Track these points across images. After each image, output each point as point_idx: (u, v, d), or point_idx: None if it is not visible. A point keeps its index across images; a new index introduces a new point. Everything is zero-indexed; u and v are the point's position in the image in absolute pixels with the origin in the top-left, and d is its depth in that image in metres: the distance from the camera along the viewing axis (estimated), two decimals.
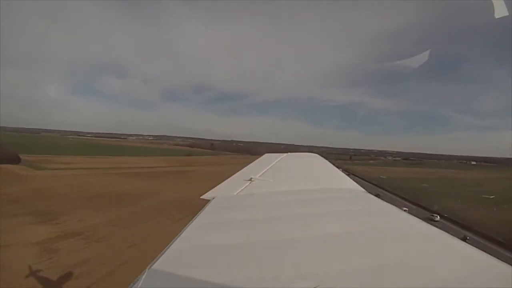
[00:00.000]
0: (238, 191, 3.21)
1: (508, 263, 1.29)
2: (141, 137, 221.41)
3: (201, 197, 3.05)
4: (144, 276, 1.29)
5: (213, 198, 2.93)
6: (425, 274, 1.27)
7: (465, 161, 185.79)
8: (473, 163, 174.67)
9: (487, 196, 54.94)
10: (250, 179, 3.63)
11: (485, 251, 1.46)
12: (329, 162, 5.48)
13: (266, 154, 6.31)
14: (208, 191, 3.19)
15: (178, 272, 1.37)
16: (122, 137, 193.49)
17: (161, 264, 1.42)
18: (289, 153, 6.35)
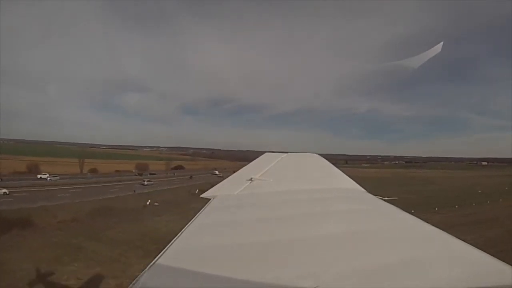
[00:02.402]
0: (238, 191, 3.22)
1: (508, 263, 1.28)
2: (155, 148, 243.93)
3: (201, 196, 3.09)
4: (144, 276, 1.29)
5: (213, 198, 2.95)
6: (425, 274, 1.26)
7: (475, 162, 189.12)
8: (484, 163, 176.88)
9: (386, 198, 47.85)
10: (250, 179, 3.63)
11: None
12: (329, 162, 5.54)
13: (266, 154, 6.40)
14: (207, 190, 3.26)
15: (179, 271, 1.38)
16: (135, 149, 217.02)
17: (161, 263, 1.43)
18: (289, 153, 6.41)
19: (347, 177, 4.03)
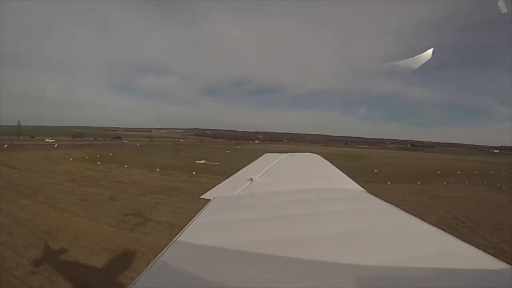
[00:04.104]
0: (238, 191, 3.24)
1: (508, 263, 1.29)
2: (171, 130, 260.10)
3: (201, 196, 3.13)
4: (144, 276, 1.30)
5: (213, 198, 2.96)
6: (425, 274, 1.26)
7: (486, 150, 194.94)
8: (496, 151, 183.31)
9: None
10: (251, 179, 3.65)
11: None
12: (329, 162, 5.56)
13: (266, 154, 6.46)
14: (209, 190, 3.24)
15: (178, 271, 1.39)
16: (149, 130, 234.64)
17: (161, 263, 1.43)
18: (289, 153, 6.50)
19: (347, 177, 4.04)
